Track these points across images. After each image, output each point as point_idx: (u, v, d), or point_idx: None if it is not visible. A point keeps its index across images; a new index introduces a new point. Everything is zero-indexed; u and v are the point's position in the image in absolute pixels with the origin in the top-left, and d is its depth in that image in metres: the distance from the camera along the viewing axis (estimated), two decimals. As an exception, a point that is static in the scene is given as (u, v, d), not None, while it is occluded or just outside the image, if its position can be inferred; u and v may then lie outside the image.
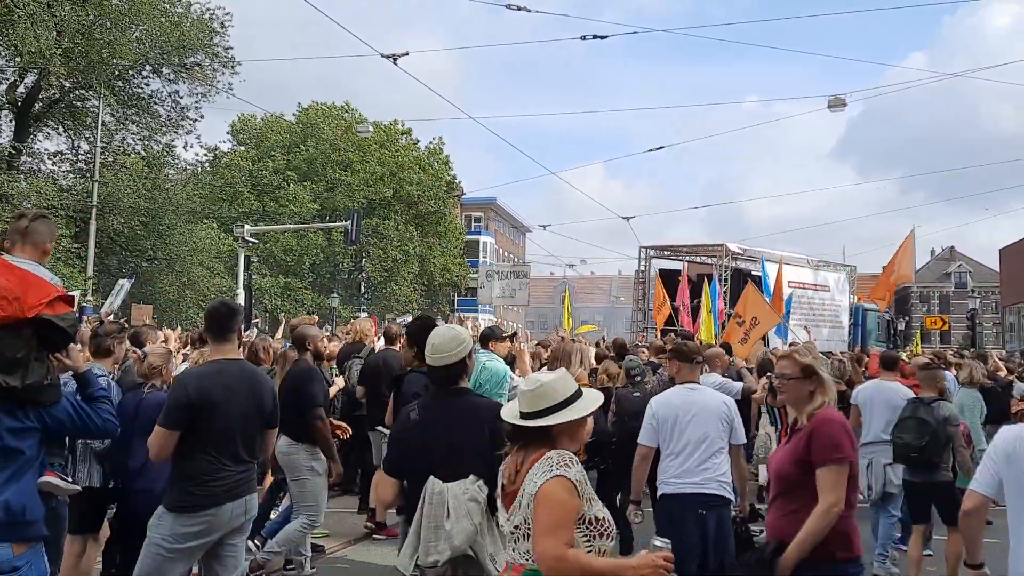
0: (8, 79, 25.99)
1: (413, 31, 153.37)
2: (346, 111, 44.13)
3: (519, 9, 14.05)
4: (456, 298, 55.12)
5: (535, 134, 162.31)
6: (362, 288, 43.29)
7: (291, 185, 39.39)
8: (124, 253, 27.87)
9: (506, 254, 70.57)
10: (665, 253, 24.43)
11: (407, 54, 15.49)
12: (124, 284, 18.35)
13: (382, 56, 15.42)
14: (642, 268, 23.62)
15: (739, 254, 22.16)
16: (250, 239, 27.40)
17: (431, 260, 45.34)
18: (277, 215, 37.98)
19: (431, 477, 3.51)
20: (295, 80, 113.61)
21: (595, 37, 14.57)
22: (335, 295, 39.35)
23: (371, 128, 36.66)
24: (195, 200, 30.52)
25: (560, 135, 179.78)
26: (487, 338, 7.30)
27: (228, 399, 4.17)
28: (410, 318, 11.37)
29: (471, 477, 3.47)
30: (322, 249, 40.18)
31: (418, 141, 46.92)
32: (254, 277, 31.61)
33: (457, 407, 3.68)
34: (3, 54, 25.00)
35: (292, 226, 35.48)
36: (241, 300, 25.96)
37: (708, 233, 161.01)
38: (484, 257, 61.95)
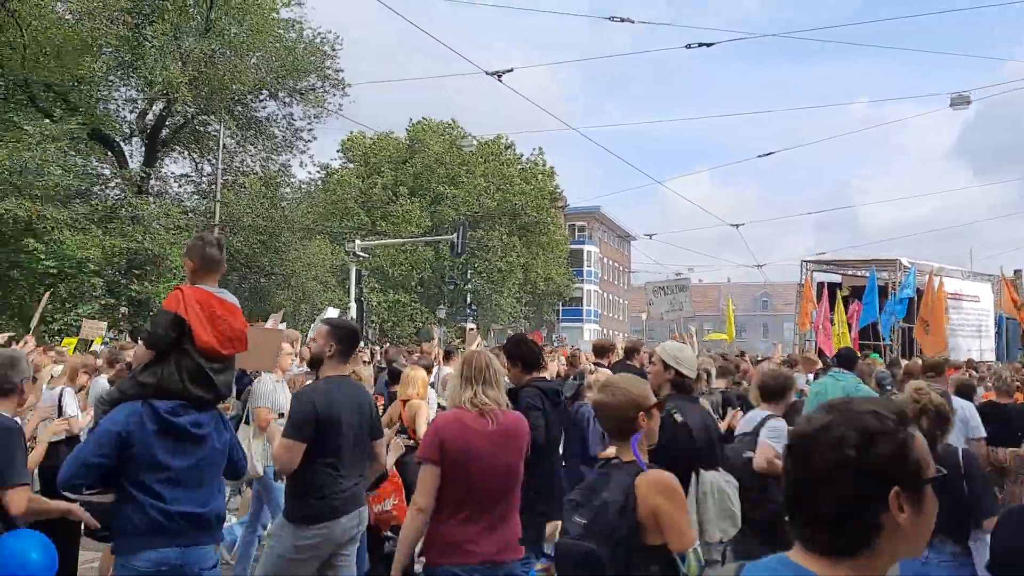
0: (139, 108, 27.74)
1: (516, 47, 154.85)
2: (451, 127, 44.91)
3: (622, 20, 14.09)
4: (561, 308, 55.09)
5: (640, 143, 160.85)
6: (468, 300, 43.84)
7: (400, 200, 40.25)
8: (244, 269, 29.16)
9: (611, 263, 70.06)
10: (824, 267, 23.98)
11: (511, 70, 15.78)
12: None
13: (487, 73, 15.72)
14: (802, 282, 23.03)
15: (907, 267, 21.38)
16: (360, 253, 28.23)
17: (535, 270, 45.51)
18: (387, 231, 38.91)
19: (702, 469, 4.20)
20: (402, 99, 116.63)
21: (700, 45, 14.39)
22: (442, 308, 39.96)
23: (475, 143, 37.16)
24: (309, 217, 31.66)
25: (665, 143, 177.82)
26: (850, 360, 7.50)
27: (348, 413, 4.36)
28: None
29: (719, 469, 4.33)
30: (430, 263, 40.91)
31: (521, 155, 47.30)
32: (365, 292, 32.50)
33: (701, 411, 4.52)
34: (135, 85, 26.69)
35: (399, 240, 36.29)
36: (353, 314, 26.80)
37: (821, 240, 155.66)
38: (588, 266, 61.71)
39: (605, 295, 67.84)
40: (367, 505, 4.62)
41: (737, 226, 25.73)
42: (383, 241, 35.06)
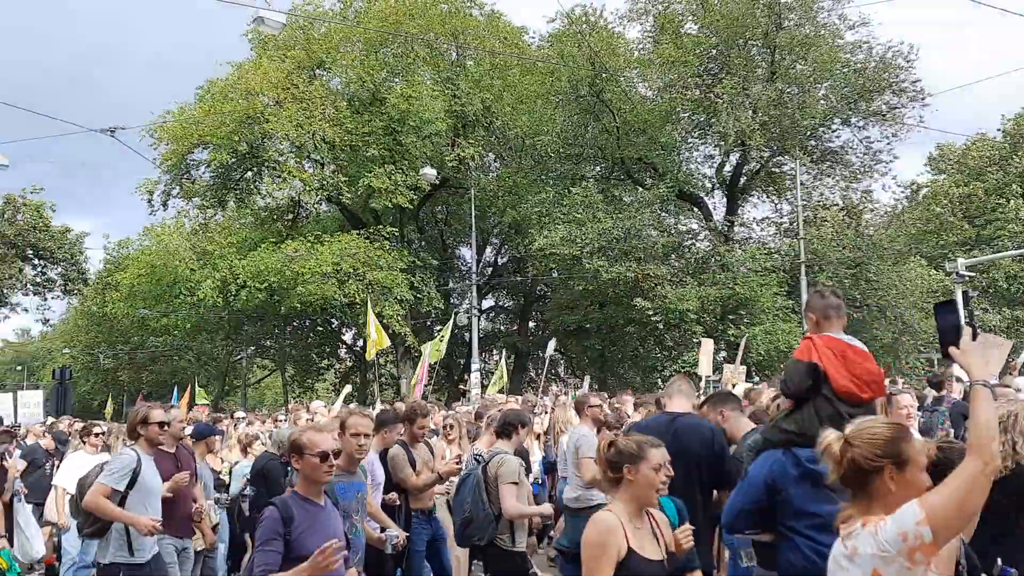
0: (716, 162, 29.47)
1: None
2: (1066, 106, 37.72)
3: None
4: None
5: None
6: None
7: (1011, 201, 35.03)
8: (840, 306, 28.38)
9: None
10: None
11: None
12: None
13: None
14: None
15: None
16: (965, 272, 25.14)
17: None
18: (993, 239, 34.20)
19: None
20: (996, 95, 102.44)
21: None
22: (1082, 324, 33.30)
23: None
24: (899, 240, 29.56)
25: None
26: None
27: None
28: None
29: None
30: (1054, 270, 34.59)
31: None
32: (976, 313, 28.81)
33: None
34: (711, 141, 28.46)
35: (1012, 252, 31.40)
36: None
37: None
38: None
39: None
40: None
41: None
42: (989, 256, 30.73)
